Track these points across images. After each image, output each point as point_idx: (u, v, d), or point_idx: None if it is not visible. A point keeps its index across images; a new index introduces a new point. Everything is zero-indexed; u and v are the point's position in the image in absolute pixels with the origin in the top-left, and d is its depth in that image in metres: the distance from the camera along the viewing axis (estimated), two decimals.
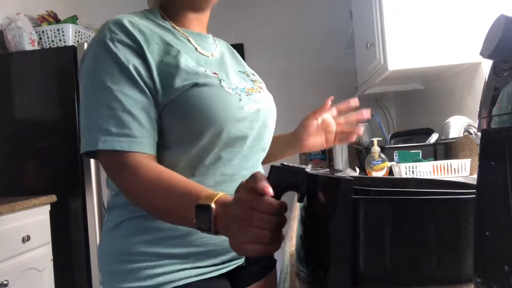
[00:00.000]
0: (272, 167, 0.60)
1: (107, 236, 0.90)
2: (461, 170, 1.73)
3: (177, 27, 0.95)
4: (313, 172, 0.60)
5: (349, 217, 0.51)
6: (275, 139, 1.11)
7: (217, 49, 1.02)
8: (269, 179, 0.61)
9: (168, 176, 0.78)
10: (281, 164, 0.62)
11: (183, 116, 0.84)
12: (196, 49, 0.95)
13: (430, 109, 2.46)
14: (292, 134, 1.13)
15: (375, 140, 1.87)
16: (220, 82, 0.88)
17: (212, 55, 0.99)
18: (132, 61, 0.82)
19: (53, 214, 2.35)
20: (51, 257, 2.33)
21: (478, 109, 0.46)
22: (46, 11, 2.92)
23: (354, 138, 1.10)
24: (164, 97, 0.83)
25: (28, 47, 2.65)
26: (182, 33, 0.95)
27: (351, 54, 3.07)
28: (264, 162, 1.08)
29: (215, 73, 0.90)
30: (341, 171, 2.09)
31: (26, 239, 2.12)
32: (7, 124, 2.60)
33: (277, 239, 0.61)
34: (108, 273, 0.87)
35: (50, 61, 2.58)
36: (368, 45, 2.09)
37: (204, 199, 0.68)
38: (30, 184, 2.52)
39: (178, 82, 0.83)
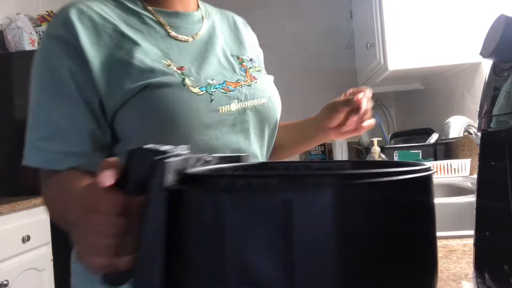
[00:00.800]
0: (128, 151, 0.42)
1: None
2: (461, 170, 1.73)
3: (150, 8, 0.79)
4: (174, 158, 0.40)
5: (158, 216, 0.36)
6: (283, 128, 0.96)
7: (203, 28, 0.85)
8: (125, 168, 0.43)
9: (65, 182, 0.67)
10: (140, 147, 0.43)
11: (138, 125, 0.71)
12: (168, 34, 0.79)
13: (430, 109, 2.46)
14: (313, 119, 0.94)
15: (375, 140, 1.87)
16: (184, 79, 0.72)
17: (193, 38, 0.82)
18: (67, 64, 0.70)
19: None
20: (51, 257, 2.33)
21: (478, 109, 0.46)
22: (46, 11, 2.92)
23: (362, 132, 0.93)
24: (112, 101, 0.71)
25: (28, 47, 2.65)
26: (154, 16, 0.79)
27: (351, 54, 3.07)
28: (278, 157, 0.97)
29: (181, 67, 0.74)
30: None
31: (26, 239, 2.11)
32: (7, 124, 2.60)
33: (127, 250, 0.43)
34: None
35: None
36: (368, 45, 2.09)
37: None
38: (30, 184, 2.51)
39: (128, 83, 0.70)
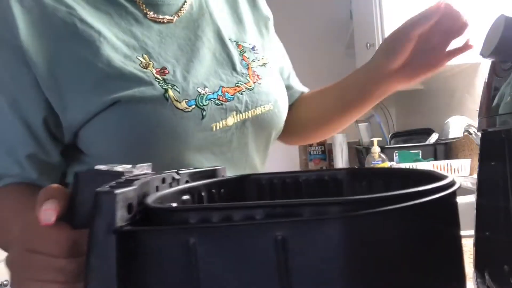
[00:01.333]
0: (75, 174, 0.34)
1: None
2: (461, 170, 1.73)
3: None
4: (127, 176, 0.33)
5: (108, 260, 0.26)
6: (312, 97, 0.77)
7: (189, 5, 0.65)
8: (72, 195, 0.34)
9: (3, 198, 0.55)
10: (90, 169, 0.34)
11: (108, 146, 0.56)
12: (145, 15, 0.60)
13: (430, 109, 2.46)
14: (362, 69, 0.68)
15: (375, 140, 1.88)
16: (166, 91, 0.54)
17: (178, 16, 0.62)
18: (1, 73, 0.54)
19: None
20: None
21: (478, 109, 0.46)
22: None
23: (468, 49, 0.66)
24: (70, 118, 0.55)
25: None
26: None
27: (351, 54, 3.07)
28: (302, 140, 0.81)
29: (163, 69, 0.56)
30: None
31: None
32: None
33: None
34: None
35: None
36: (368, 45, 2.09)
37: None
38: None
39: (90, 96, 0.53)
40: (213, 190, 0.41)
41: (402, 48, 0.60)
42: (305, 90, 0.82)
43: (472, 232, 0.47)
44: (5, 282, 1.96)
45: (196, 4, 0.66)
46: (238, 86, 0.62)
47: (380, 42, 1.95)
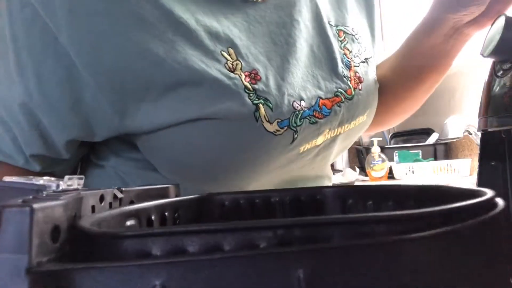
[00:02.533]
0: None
1: None
2: (461, 170, 1.73)
3: None
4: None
5: None
6: (384, 66, 0.61)
7: None
8: None
9: None
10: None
11: (165, 164, 0.44)
12: None
13: (430, 109, 2.47)
14: (424, 20, 0.59)
15: (375, 140, 1.88)
16: (257, 108, 0.40)
17: None
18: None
19: None
20: None
21: (478, 109, 0.46)
22: None
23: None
24: (128, 125, 0.41)
25: None
26: None
27: None
28: (380, 125, 0.66)
29: (254, 72, 0.41)
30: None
31: None
32: None
33: None
34: None
35: None
36: None
37: None
38: None
39: (160, 106, 0.39)
40: (166, 213, 0.32)
41: None
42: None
43: None
44: None
45: None
46: (337, 96, 0.47)
47: (380, 41, 1.95)
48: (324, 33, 0.49)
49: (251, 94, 0.40)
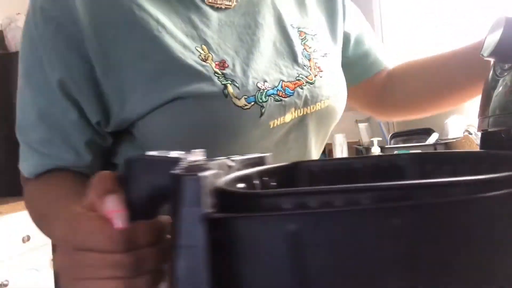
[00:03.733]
0: (127, 161, 0.31)
1: None
2: None
3: None
4: (187, 162, 0.29)
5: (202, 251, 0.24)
6: (426, 65, 0.69)
7: None
8: (124, 183, 0.32)
9: (51, 184, 0.55)
10: (141, 155, 0.32)
11: (166, 136, 0.53)
12: (211, 4, 0.56)
13: None
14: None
15: (375, 140, 1.88)
16: (226, 87, 0.51)
17: (235, 2, 0.58)
18: (56, 75, 0.51)
19: None
20: (51, 257, 2.33)
21: (478, 109, 0.46)
22: None
23: None
24: (127, 112, 0.52)
25: None
26: None
27: None
28: (403, 114, 0.74)
29: (222, 62, 0.53)
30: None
31: (26, 239, 2.11)
32: (7, 124, 2.60)
33: None
34: None
35: None
36: None
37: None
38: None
39: (150, 89, 0.50)
40: (265, 178, 0.38)
41: None
42: (388, 65, 0.77)
43: None
44: (5, 282, 1.96)
45: None
46: (298, 80, 0.58)
47: (380, 41, 1.95)
48: (285, 32, 0.60)
49: (220, 77, 0.52)
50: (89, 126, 0.54)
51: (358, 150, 2.43)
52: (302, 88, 0.57)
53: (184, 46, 0.52)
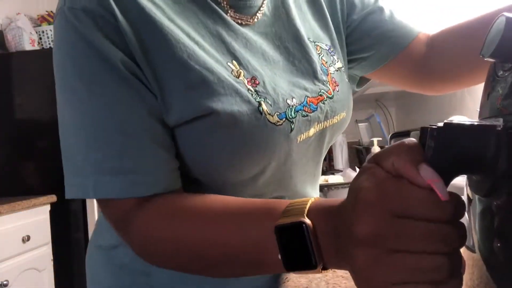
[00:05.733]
0: (432, 130, 0.29)
1: (99, 254, 0.63)
2: None
3: None
4: None
5: None
6: (469, 26, 0.68)
7: (266, 4, 0.59)
8: (430, 153, 0.29)
9: (210, 203, 0.48)
10: (446, 123, 0.29)
11: (200, 148, 0.52)
12: (227, 13, 0.55)
13: (430, 109, 2.46)
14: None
15: (375, 140, 1.88)
16: (260, 104, 0.51)
17: (255, 19, 0.57)
18: (119, 54, 0.48)
19: (53, 214, 2.35)
20: (51, 257, 2.33)
21: (478, 109, 0.46)
22: (46, 11, 2.92)
23: None
24: (170, 119, 0.51)
25: (28, 47, 2.65)
26: None
27: None
28: (453, 86, 0.71)
29: (253, 79, 0.53)
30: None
31: (26, 239, 2.11)
32: (7, 124, 2.60)
33: (458, 272, 0.30)
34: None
35: (50, 61, 2.57)
36: None
37: (284, 214, 0.39)
38: (30, 184, 2.52)
39: (187, 99, 0.49)
40: None
41: None
42: (422, 32, 0.74)
43: None
44: (5, 282, 1.96)
45: (271, 5, 0.61)
46: (320, 95, 0.59)
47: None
48: (304, 50, 0.60)
49: (253, 94, 0.51)
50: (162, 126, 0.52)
51: (358, 150, 2.43)
52: (324, 103, 0.59)
53: (217, 60, 0.51)
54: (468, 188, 0.38)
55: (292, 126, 0.54)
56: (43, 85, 2.57)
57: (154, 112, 0.50)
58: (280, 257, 0.37)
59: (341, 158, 2.48)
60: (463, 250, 0.40)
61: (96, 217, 2.47)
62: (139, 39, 0.49)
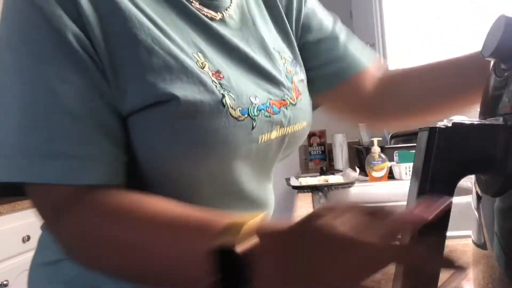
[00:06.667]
0: (441, 129, 0.29)
1: (41, 272, 0.59)
2: None
3: None
4: None
5: None
6: (417, 73, 0.69)
7: (234, 2, 0.60)
8: (439, 153, 0.29)
9: (147, 208, 0.44)
10: (455, 122, 0.30)
11: (158, 144, 0.50)
12: (191, 3, 0.55)
13: None
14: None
15: (375, 140, 1.88)
16: (224, 97, 0.51)
17: (222, 20, 0.57)
18: (70, 25, 0.45)
19: None
20: None
21: (478, 109, 0.46)
22: None
23: None
24: (125, 103, 0.48)
25: None
26: None
27: None
28: (396, 122, 0.74)
29: (218, 72, 0.52)
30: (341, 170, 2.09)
31: (26, 239, 2.11)
32: None
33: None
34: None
35: None
36: (368, 45, 2.09)
37: (226, 231, 0.37)
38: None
39: (149, 83, 0.47)
40: None
41: None
42: (374, 67, 0.76)
43: (471, 232, 0.47)
44: (5, 282, 1.96)
45: (239, 10, 0.61)
46: (284, 100, 0.60)
47: (380, 42, 1.95)
48: (269, 57, 0.61)
49: (217, 86, 0.51)
50: (112, 114, 0.49)
51: (358, 150, 2.43)
52: (286, 108, 0.59)
53: (182, 49, 0.50)
54: (477, 186, 0.38)
55: (254, 124, 0.54)
56: None
57: (105, 96, 0.47)
58: (207, 274, 0.36)
59: (341, 158, 2.48)
60: (474, 248, 0.40)
61: None
62: (99, 16, 0.46)
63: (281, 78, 0.61)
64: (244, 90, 0.54)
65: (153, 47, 0.48)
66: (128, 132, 0.50)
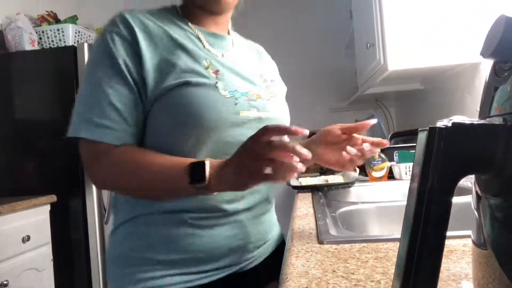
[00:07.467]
0: (441, 129, 0.30)
1: (110, 239, 0.93)
2: None
3: (191, 25, 0.93)
4: None
5: None
6: None
7: (233, 50, 0.97)
8: (439, 153, 0.30)
9: (149, 153, 0.81)
10: (455, 123, 0.31)
11: (169, 115, 0.82)
12: (203, 46, 0.91)
13: (430, 109, 2.46)
14: (307, 141, 1.02)
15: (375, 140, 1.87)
16: (217, 82, 0.84)
17: (223, 55, 0.93)
18: (123, 55, 0.82)
19: (53, 214, 2.34)
20: (51, 257, 2.33)
21: (478, 109, 0.46)
22: (46, 11, 2.92)
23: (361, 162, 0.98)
24: (154, 95, 0.82)
25: (28, 47, 2.64)
26: (194, 31, 0.92)
27: (351, 54, 3.07)
28: None
29: (217, 71, 0.86)
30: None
31: (26, 239, 2.11)
32: (7, 124, 2.60)
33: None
34: (110, 275, 0.90)
35: (50, 61, 2.58)
36: (368, 45, 2.09)
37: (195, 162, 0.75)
38: (30, 184, 2.52)
39: (171, 80, 0.82)
40: None
41: (328, 136, 0.99)
42: None
43: (470, 232, 0.47)
44: (5, 282, 1.96)
45: (236, 51, 0.98)
46: (258, 95, 0.92)
47: (380, 42, 1.94)
48: (252, 72, 0.96)
49: (213, 77, 0.85)
50: (141, 108, 0.84)
51: None
52: (262, 100, 0.92)
53: (195, 60, 0.86)
54: (477, 186, 0.38)
55: (236, 102, 0.85)
56: (43, 85, 2.57)
57: (136, 98, 0.82)
58: (186, 177, 0.74)
59: None
60: (474, 248, 0.40)
61: (97, 218, 2.47)
62: (151, 52, 0.84)
63: (259, 83, 0.95)
64: (232, 82, 0.87)
65: (175, 62, 0.84)
66: (146, 117, 0.84)
